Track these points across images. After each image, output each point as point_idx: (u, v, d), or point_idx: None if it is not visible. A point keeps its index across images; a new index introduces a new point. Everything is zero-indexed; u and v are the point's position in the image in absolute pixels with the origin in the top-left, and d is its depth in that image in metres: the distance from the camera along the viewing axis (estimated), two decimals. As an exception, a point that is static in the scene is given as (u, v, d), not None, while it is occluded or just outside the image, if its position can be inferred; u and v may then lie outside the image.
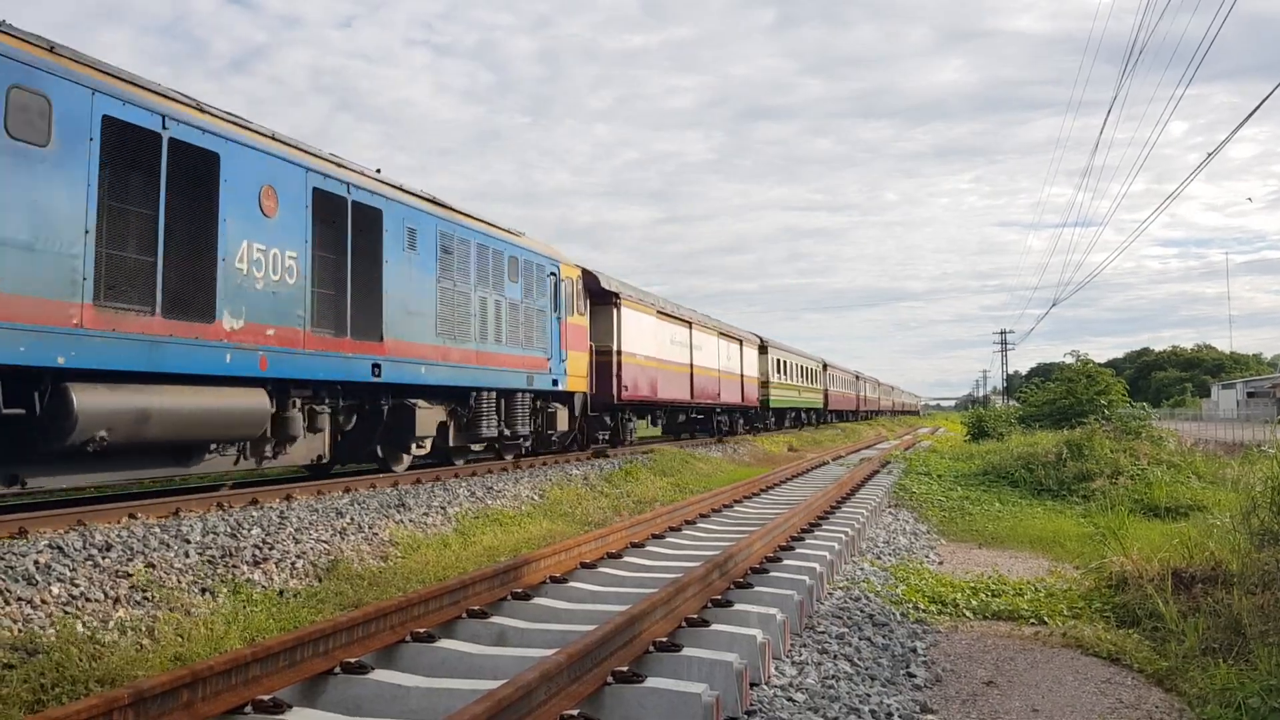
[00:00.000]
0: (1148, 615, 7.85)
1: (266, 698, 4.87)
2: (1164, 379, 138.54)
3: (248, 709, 4.81)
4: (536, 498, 15.05)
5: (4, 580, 6.97)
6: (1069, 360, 37.86)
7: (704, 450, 28.34)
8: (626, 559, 9.74)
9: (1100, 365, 38.10)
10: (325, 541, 9.99)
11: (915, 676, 6.40)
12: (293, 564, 9.17)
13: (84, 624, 6.78)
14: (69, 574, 7.40)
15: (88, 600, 7.14)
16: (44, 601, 6.92)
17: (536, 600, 7.60)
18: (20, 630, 6.41)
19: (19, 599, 6.82)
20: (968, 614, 8.47)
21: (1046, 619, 8.22)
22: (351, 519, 10.94)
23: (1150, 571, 8.57)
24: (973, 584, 9.54)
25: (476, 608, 7.04)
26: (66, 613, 6.86)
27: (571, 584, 8.35)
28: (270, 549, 9.27)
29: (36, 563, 7.41)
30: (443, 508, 12.62)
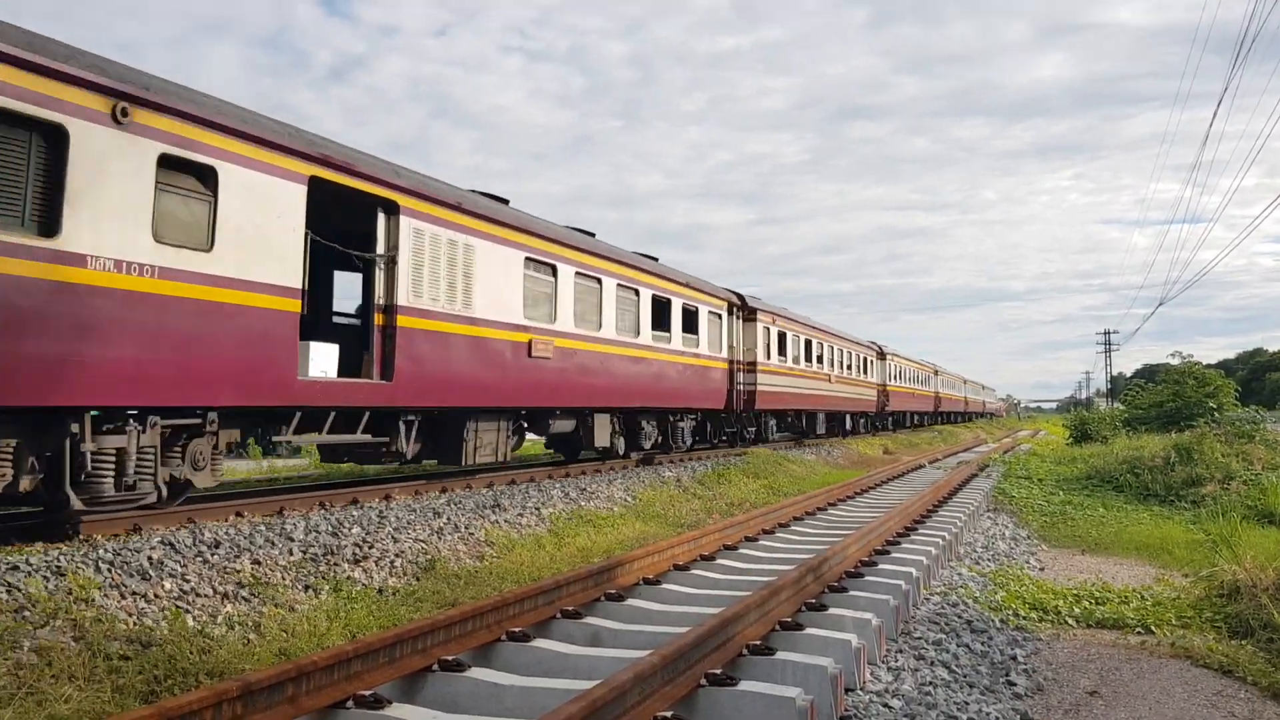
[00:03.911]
0: (1262, 626, 7.56)
1: (367, 693, 4.99)
2: (1279, 380, 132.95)
3: (349, 704, 4.94)
4: (629, 499, 15.11)
5: (120, 575, 7.26)
6: (1173, 361, 36.38)
7: (797, 453, 28.13)
8: (719, 561, 9.72)
9: (1209, 366, 36.78)
10: (423, 541, 10.18)
11: (1015, 684, 6.26)
12: (391, 562, 9.36)
13: (194, 618, 7.03)
14: (180, 570, 7.68)
15: (198, 595, 7.40)
16: (157, 596, 7.19)
17: (630, 601, 7.63)
18: (135, 623, 6.67)
19: (134, 593, 7.10)
20: (1070, 622, 8.26)
21: (1154, 628, 7.97)
22: (448, 519, 11.12)
23: (1265, 580, 8.25)
24: (1075, 591, 9.30)
25: (570, 608, 7.10)
26: (178, 607, 7.12)
27: (664, 586, 8.37)
28: (370, 547, 9.49)
29: (150, 559, 7.70)
30: (537, 508, 12.75)
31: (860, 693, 5.79)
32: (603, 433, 18.68)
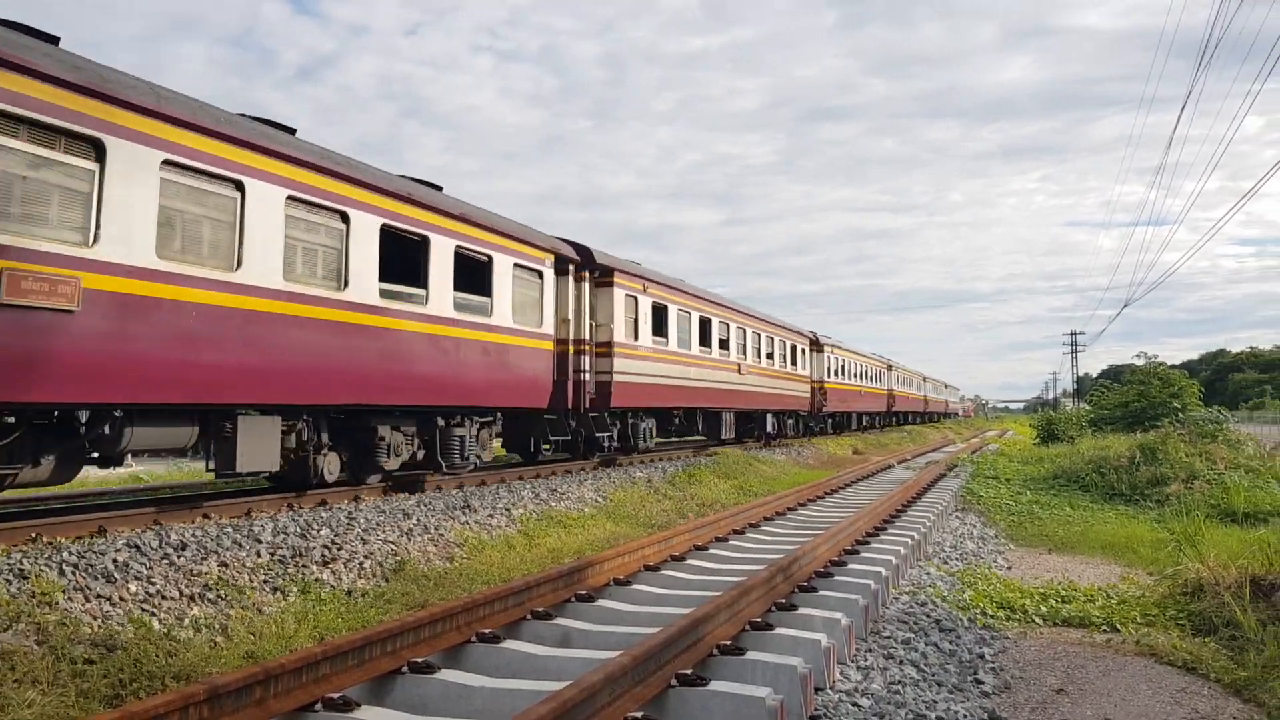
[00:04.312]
0: (1225, 623, 7.66)
1: (336, 696, 4.96)
2: (1242, 381, 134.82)
3: (318, 706, 4.90)
4: (600, 500, 15.11)
5: (85, 577, 7.18)
6: (1138, 362, 36.85)
7: (767, 453, 28.21)
8: (690, 561, 9.73)
9: (1174, 367, 37.27)
10: (392, 542, 10.13)
11: (983, 683, 6.30)
12: (361, 564, 9.31)
13: (160, 621, 6.96)
14: (146, 572, 7.60)
15: (164, 598, 7.33)
16: (122, 599, 7.11)
17: (600, 602, 7.63)
18: (100, 626, 6.60)
19: (99, 596, 7.02)
20: (1037, 620, 8.33)
21: (1119, 626, 8.06)
22: (418, 520, 11.07)
23: (1228, 579, 8.36)
24: (1042, 590, 9.38)
25: (541, 609, 7.09)
26: (144, 610, 7.05)
27: (635, 586, 8.37)
28: (339, 549, 9.43)
29: (115, 561, 7.62)
30: (507, 509, 12.72)
31: (830, 692, 5.81)
32: (260, 444, 11.19)
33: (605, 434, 19.83)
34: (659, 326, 22.37)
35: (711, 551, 10.44)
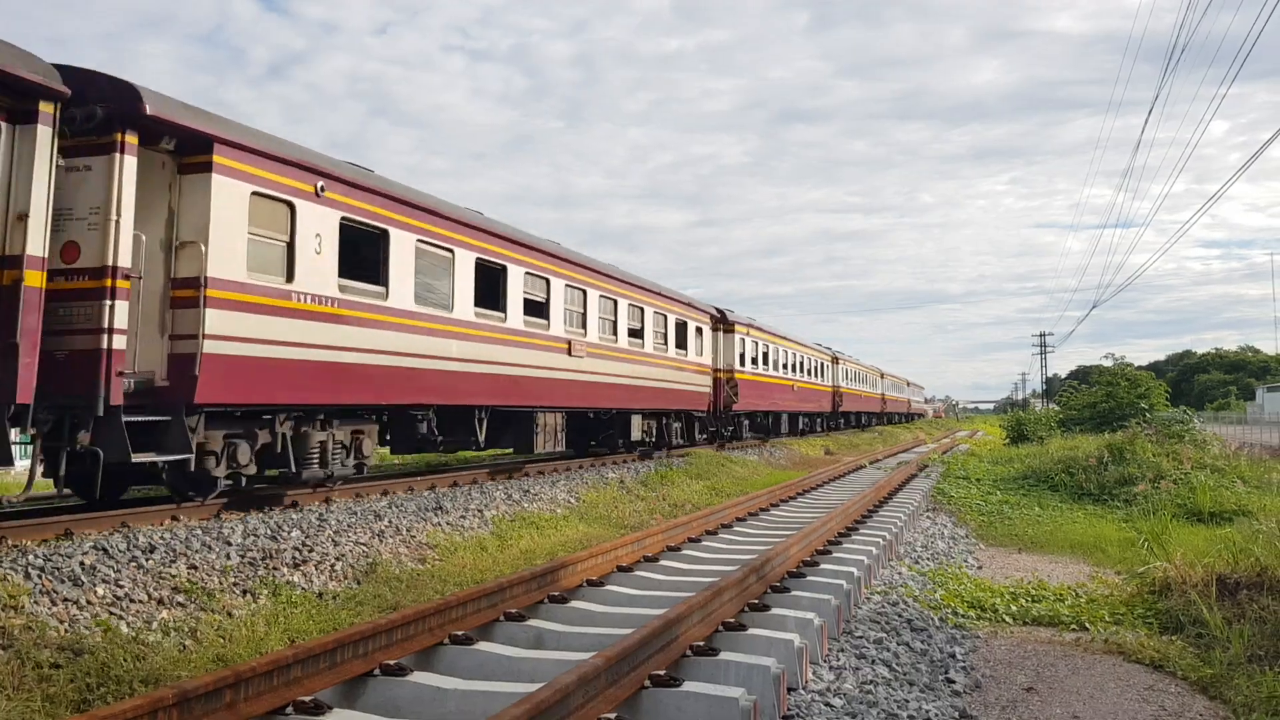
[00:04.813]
0: (1191, 622, 7.75)
1: (307, 699, 4.93)
2: (1207, 382, 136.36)
3: (289, 709, 4.87)
4: (572, 501, 15.08)
5: (51, 581, 7.09)
6: (1107, 363, 37.25)
7: (740, 454, 28.26)
8: (663, 562, 9.74)
9: (1141, 368, 37.71)
10: (364, 544, 10.07)
11: (954, 682, 6.35)
12: (332, 566, 9.25)
13: (128, 624, 6.88)
14: (114, 575, 7.52)
15: (132, 601, 7.25)
16: (89, 602, 7.03)
17: (573, 603, 7.62)
18: (67, 630, 6.52)
19: (65, 599, 6.93)
20: (1007, 619, 8.40)
21: (1088, 625, 8.14)
22: (390, 521, 11.01)
23: (1194, 577, 8.46)
24: (1012, 589, 9.46)
25: (514, 611, 7.07)
26: (111, 613, 6.96)
27: (608, 587, 8.36)
28: (310, 551, 9.36)
29: (82, 564, 7.52)
30: (479, 510, 12.68)
31: (803, 692, 5.83)
32: None
33: (179, 455, 9.83)
34: (370, 266, 13.02)
35: (684, 552, 10.45)
